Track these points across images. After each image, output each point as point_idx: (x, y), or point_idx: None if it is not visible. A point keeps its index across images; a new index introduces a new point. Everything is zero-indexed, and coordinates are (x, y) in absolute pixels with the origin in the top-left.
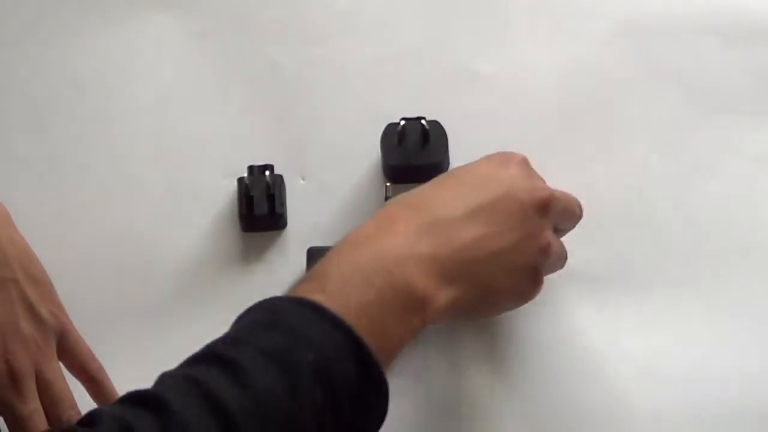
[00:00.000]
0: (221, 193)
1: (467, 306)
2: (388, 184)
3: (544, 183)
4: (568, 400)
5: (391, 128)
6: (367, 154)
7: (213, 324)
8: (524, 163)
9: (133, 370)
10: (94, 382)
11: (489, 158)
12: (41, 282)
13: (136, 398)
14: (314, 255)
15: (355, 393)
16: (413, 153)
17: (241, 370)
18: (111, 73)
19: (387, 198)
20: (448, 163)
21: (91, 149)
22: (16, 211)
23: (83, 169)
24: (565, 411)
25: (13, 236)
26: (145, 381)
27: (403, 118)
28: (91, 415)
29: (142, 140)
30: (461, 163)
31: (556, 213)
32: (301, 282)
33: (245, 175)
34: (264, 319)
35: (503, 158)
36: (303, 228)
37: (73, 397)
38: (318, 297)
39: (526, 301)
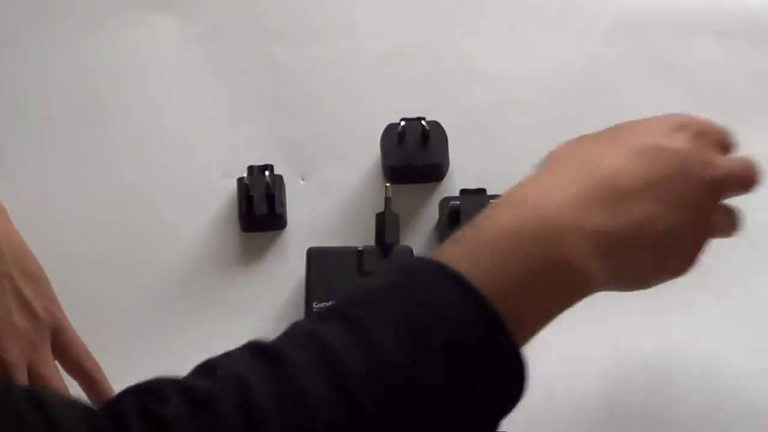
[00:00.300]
0: (221, 193)
1: (616, 285)
2: (387, 184)
3: (723, 157)
4: (569, 400)
5: (391, 128)
6: (367, 154)
7: (213, 323)
8: (702, 133)
9: (132, 369)
10: (90, 379)
11: (660, 120)
12: (36, 277)
13: (258, 350)
14: (314, 255)
15: (487, 377)
16: (413, 153)
17: (369, 337)
18: (111, 73)
19: (387, 198)
20: (448, 164)
21: (91, 149)
22: (14, 211)
23: (83, 168)
24: (567, 410)
25: (8, 231)
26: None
27: (403, 119)
28: (208, 364)
29: (142, 140)
30: (461, 164)
31: (729, 193)
32: (451, 243)
33: (245, 175)
34: (404, 286)
35: (680, 123)
36: (303, 228)
37: (69, 393)
38: (465, 267)
39: (678, 276)
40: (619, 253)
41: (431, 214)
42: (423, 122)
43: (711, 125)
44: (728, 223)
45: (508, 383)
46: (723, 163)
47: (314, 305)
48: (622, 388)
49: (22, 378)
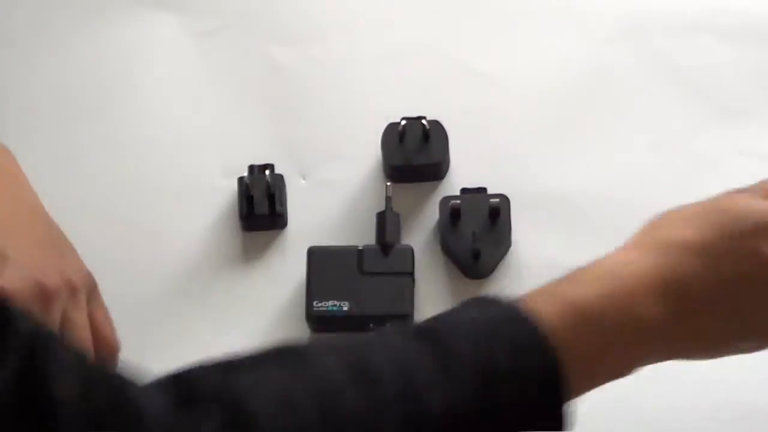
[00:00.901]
0: (221, 192)
1: (688, 341)
2: (388, 183)
3: None
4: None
5: (391, 128)
6: (367, 154)
7: (213, 323)
8: None
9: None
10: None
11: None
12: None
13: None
14: (315, 254)
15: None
16: (414, 152)
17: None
18: (111, 71)
19: (387, 198)
20: (449, 163)
21: (91, 148)
22: None
23: (82, 168)
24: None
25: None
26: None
27: (403, 118)
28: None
29: (142, 139)
30: (461, 163)
31: None
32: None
33: (245, 174)
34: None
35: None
36: (303, 228)
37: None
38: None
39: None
40: (687, 297)
41: (432, 213)
42: (424, 121)
43: None
44: None
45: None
46: None
47: (314, 304)
48: (624, 387)
49: (57, 309)
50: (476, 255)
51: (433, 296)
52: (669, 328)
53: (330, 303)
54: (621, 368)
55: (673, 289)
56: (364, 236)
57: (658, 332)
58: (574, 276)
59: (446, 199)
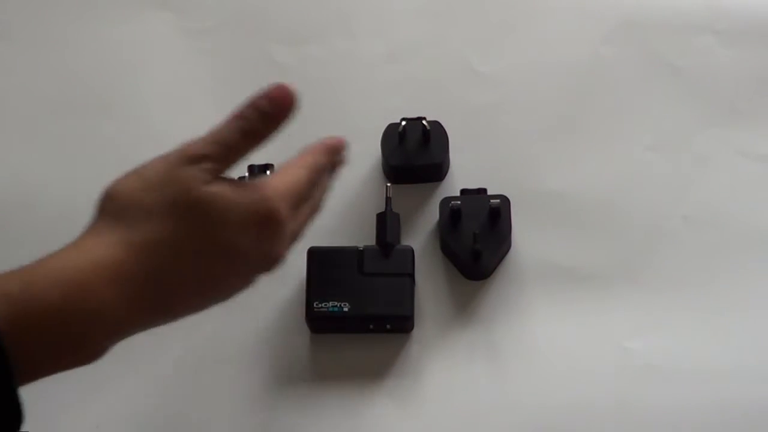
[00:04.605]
0: None
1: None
2: (388, 184)
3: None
4: (568, 400)
5: (392, 128)
6: (367, 154)
7: (212, 323)
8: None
9: (130, 370)
10: None
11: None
12: None
13: None
14: (315, 255)
15: None
16: (414, 153)
17: None
18: (109, 70)
19: (388, 198)
20: (449, 164)
21: (90, 147)
22: (12, 211)
23: (81, 167)
24: (565, 411)
25: None
26: (142, 380)
27: (403, 118)
28: None
29: (141, 139)
30: (461, 164)
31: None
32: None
33: (245, 174)
34: None
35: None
36: None
37: None
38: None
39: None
40: (145, 278)
41: (432, 214)
42: (424, 122)
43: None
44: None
45: None
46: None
47: (315, 305)
48: (625, 388)
49: None
50: (476, 256)
51: (433, 297)
52: (126, 310)
53: (330, 303)
54: (86, 355)
55: (132, 274)
56: (364, 237)
57: (118, 317)
58: (35, 270)
59: (446, 200)
